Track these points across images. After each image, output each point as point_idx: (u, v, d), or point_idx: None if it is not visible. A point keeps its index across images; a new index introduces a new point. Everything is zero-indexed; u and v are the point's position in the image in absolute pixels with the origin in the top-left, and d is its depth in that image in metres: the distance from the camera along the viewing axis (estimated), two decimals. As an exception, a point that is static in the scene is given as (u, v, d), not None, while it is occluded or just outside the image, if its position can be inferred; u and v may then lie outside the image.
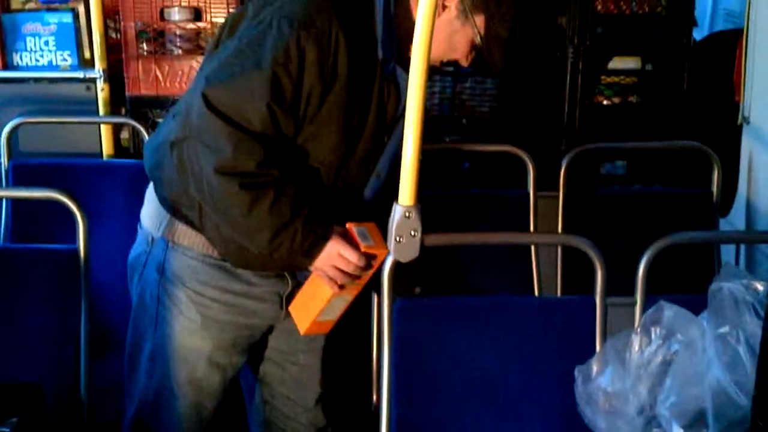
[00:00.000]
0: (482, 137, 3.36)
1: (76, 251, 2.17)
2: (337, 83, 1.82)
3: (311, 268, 1.91)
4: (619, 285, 2.02)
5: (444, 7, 1.87)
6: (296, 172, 1.87)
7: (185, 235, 1.99)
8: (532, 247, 2.87)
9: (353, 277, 1.90)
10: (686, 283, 2.11)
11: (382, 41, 1.86)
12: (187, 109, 1.83)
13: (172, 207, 1.99)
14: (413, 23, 1.70)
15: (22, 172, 2.99)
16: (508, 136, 3.21)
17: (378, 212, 1.93)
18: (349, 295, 1.95)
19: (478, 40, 1.89)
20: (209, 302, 2.02)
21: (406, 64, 1.78)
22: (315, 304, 1.95)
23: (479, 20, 1.87)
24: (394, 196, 1.82)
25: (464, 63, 1.97)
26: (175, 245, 2.00)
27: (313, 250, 1.86)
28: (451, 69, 3.35)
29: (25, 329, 2.18)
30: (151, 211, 2.06)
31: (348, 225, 1.90)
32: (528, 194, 2.88)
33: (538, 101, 3.47)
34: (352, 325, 2.12)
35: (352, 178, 1.96)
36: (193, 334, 2.03)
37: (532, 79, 3.46)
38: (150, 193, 2.08)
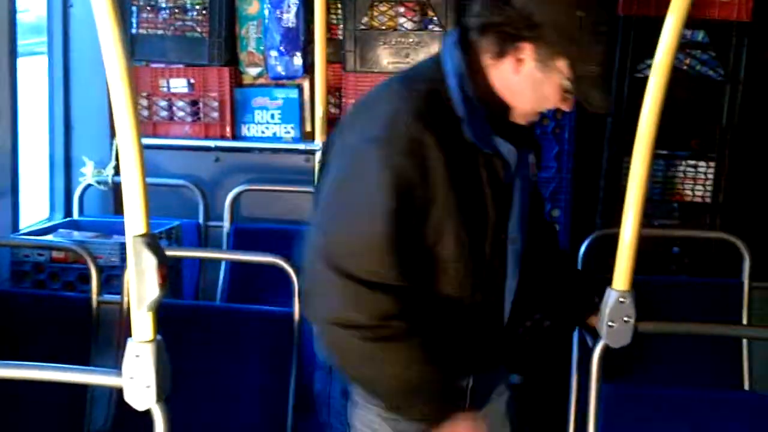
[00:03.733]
0: (695, 223, 3.27)
1: (291, 314, 2.27)
2: (440, 189, 1.68)
3: None
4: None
5: (519, 60, 1.72)
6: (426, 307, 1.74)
7: None
8: (744, 341, 2.75)
9: None
10: None
11: (467, 122, 1.71)
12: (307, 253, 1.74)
13: None
14: (497, 85, 1.68)
15: (241, 235, 3.17)
16: (722, 222, 3.11)
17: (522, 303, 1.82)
18: None
19: (566, 83, 1.73)
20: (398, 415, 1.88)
21: (504, 128, 1.73)
22: None
23: (561, 64, 1.71)
24: (533, 265, 1.77)
25: (565, 108, 1.81)
26: None
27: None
28: (665, 152, 3.29)
29: (239, 384, 2.29)
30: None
31: None
32: (742, 284, 2.76)
33: (757, 188, 3.34)
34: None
35: (485, 288, 1.80)
36: None
37: (753, 165, 3.33)
38: None
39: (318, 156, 3.41)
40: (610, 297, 1.81)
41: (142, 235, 1.47)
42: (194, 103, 3.67)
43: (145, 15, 3.69)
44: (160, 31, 3.69)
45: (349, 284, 1.63)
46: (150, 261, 1.47)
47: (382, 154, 1.64)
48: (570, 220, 3.50)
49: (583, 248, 2.75)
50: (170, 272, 3.11)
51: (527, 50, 1.69)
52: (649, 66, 1.81)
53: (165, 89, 3.70)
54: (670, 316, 2.39)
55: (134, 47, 3.67)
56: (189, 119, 3.68)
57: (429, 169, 1.66)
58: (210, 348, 2.33)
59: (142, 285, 1.48)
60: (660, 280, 2.85)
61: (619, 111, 3.28)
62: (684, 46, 3.23)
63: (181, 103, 3.68)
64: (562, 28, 1.67)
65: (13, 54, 3.03)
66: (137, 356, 1.50)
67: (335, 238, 1.67)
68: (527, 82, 1.73)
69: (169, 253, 2.63)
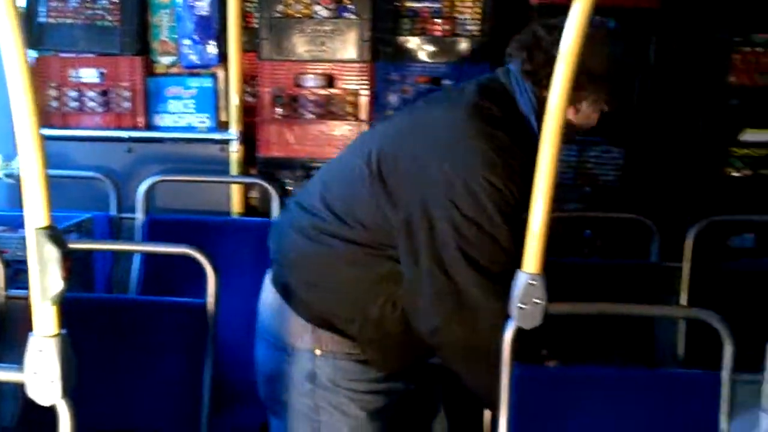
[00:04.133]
0: (605, 206, 3.33)
1: (205, 305, 2.25)
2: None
3: None
4: (742, 362, 1.97)
5: (577, 110, 1.99)
6: None
7: (331, 340, 2.04)
8: (654, 319, 2.82)
9: None
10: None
11: (534, 115, 1.96)
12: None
13: (322, 321, 2.04)
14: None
15: (155, 227, 3.12)
16: (632, 205, 3.18)
17: None
18: None
19: (605, 108, 2.02)
20: (368, 396, 2.06)
21: None
22: None
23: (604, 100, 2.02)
24: None
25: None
26: (324, 352, 2.05)
27: None
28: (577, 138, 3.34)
29: (152, 378, 2.26)
30: (287, 327, 2.09)
31: None
32: (652, 264, 2.83)
33: (665, 171, 3.42)
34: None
35: None
36: (359, 430, 2.07)
37: (660, 149, 3.41)
38: (282, 312, 2.10)
39: (234, 145, 3.39)
40: (520, 279, 1.83)
41: (43, 228, 1.43)
42: (105, 93, 3.60)
43: (54, 3, 3.59)
44: (69, 20, 3.60)
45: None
46: (52, 253, 1.44)
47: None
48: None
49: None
50: (80, 265, 3.09)
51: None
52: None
53: (75, 79, 3.61)
54: (584, 298, 2.45)
55: (42, 36, 3.58)
56: (100, 110, 3.61)
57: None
58: (123, 341, 2.29)
59: (44, 278, 1.45)
60: (572, 262, 2.89)
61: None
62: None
63: (91, 93, 3.60)
64: (608, 78, 1.97)
65: None
66: (40, 351, 1.47)
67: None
68: (581, 119, 2.02)
69: (78, 245, 2.63)
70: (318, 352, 2.04)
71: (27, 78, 1.37)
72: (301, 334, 2.05)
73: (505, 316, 1.87)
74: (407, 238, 1.89)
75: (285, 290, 2.08)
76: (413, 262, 1.89)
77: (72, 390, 1.51)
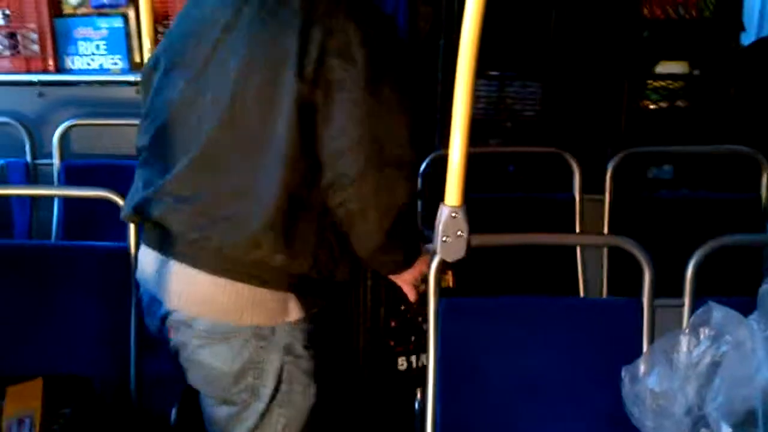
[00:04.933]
0: (527, 141, 3.36)
1: (126, 249, 2.21)
2: None
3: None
4: (663, 289, 2.02)
5: None
6: None
7: (297, 308, 1.89)
8: (578, 250, 2.87)
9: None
10: (734, 286, 2.10)
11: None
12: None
13: (302, 282, 1.87)
14: None
15: (72, 172, 3.06)
16: (553, 140, 3.21)
17: None
18: None
19: None
20: (311, 353, 1.96)
21: None
22: None
23: None
24: None
25: None
26: (296, 322, 1.90)
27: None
28: (496, 73, 3.35)
29: (77, 324, 2.22)
30: (263, 313, 1.87)
31: None
32: (574, 197, 2.87)
33: (584, 105, 3.46)
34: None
35: None
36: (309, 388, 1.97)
37: (578, 83, 3.45)
38: (256, 296, 1.86)
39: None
40: (443, 213, 1.83)
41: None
42: (12, 35, 3.47)
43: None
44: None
45: None
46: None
47: None
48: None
49: (421, 169, 2.78)
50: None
51: None
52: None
53: (-21, 22, 3.48)
54: (509, 231, 2.48)
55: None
56: (7, 53, 3.49)
57: None
58: (46, 288, 2.24)
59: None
60: (496, 197, 2.91)
61: (450, 34, 3.31)
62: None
63: (-3, 36, 3.48)
64: None
65: None
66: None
67: None
68: None
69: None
70: (292, 323, 1.93)
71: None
72: (277, 314, 1.92)
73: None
74: None
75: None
76: None
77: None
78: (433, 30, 3.28)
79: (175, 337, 1.89)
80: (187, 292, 1.84)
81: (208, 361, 1.87)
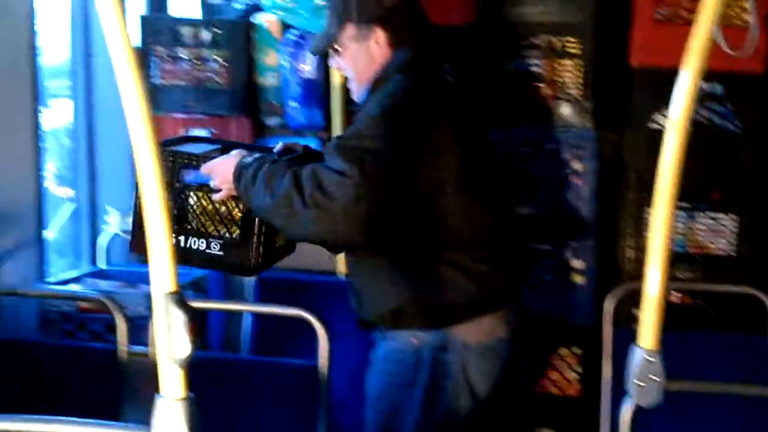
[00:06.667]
0: (719, 277, 3.24)
1: (317, 367, 2.26)
2: None
3: None
4: None
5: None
6: None
7: None
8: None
9: None
10: None
11: None
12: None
13: None
14: None
15: (265, 285, 3.15)
16: (747, 277, 3.09)
17: None
18: None
19: None
20: None
21: None
22: None
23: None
24: None
25: None
26: None
27: None
28: (686, 205, 3.28)
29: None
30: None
31: None
32: (766, 341, 2.74)
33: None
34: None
35: None
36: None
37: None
38: None
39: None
40: (637, 355, 1.78)
41: (171, 293, 1.45)
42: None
43: (166, 66, 3.67)
44: (181, 82, 3.68)
45: None
46: (179, 318, 1.45)
47: None
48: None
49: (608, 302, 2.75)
50: (196, 323, 3.14)
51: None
52: (664, 117, 1.80)
53: (187, 139, 3.70)
54: (697, 371, 2.38)
55: (156, 98, 3.64)
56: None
57: None
58: (237, 401, 2.32)
59: (171, 342, 1.47)
60: (682, 334, 2.82)
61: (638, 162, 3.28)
62: (701, 98, 3.21)
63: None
64: None
65: (35, 99, 3.02)
66: (168, 413, 1.49)
67: None
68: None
69: (197, 304, 2.67)
70: None
71: (153, 142, 1.35)
72: None
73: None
74: None
75: None
76: None
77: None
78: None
79: None
80: None
81: None
